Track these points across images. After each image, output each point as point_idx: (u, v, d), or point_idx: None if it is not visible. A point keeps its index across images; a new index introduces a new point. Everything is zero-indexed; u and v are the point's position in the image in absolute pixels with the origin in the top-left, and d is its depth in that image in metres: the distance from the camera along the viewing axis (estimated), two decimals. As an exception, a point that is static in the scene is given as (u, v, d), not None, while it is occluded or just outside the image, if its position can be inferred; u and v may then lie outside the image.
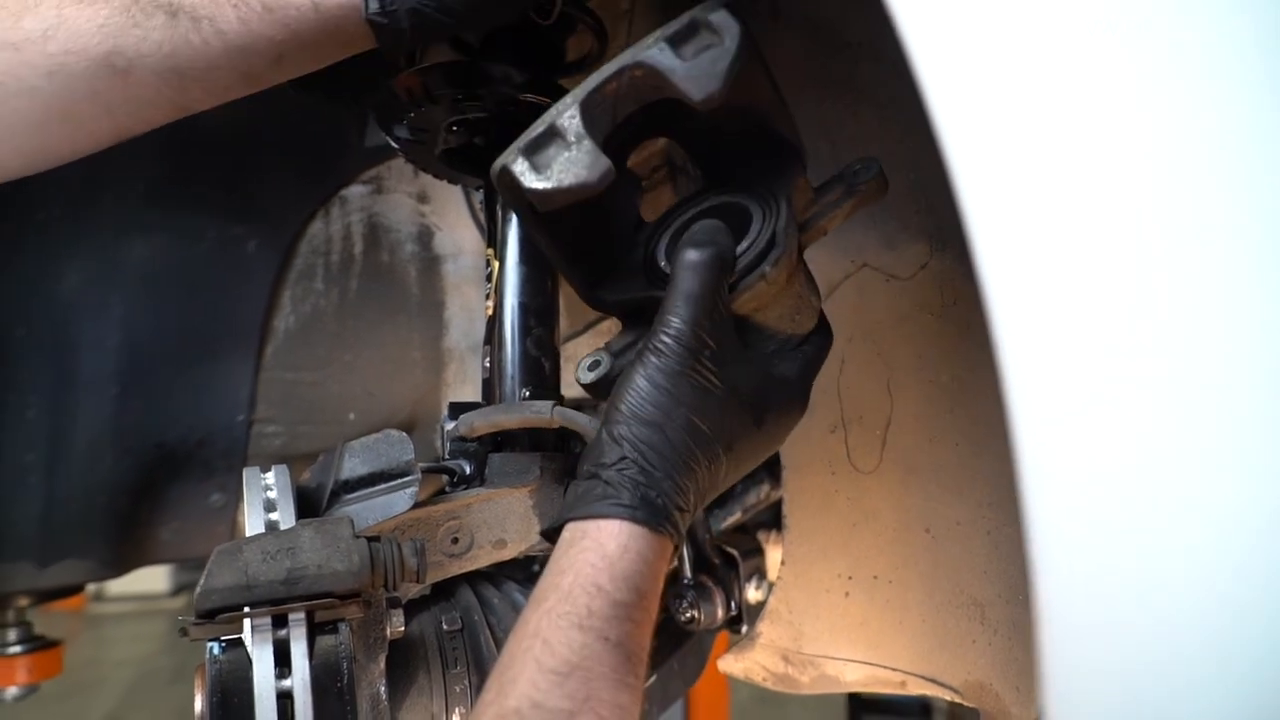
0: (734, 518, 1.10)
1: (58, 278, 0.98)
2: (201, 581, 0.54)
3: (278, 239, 1.13)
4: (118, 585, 8.21)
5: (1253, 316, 0.32)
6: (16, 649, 1.14)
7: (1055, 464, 0.34)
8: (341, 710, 0.55)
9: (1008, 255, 0.35)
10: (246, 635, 0.55)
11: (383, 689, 0.62)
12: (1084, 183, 0.34)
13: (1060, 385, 0.34)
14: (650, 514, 0.52)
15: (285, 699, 0.54)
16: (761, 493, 1.16)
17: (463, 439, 0.78)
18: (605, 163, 0.54)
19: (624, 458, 0.53)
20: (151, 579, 8.69)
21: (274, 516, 0.62)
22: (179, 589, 9.17)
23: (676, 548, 0.55)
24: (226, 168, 1.08)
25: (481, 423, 0.76)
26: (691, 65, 0.54)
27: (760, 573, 1.14)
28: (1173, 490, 0.32)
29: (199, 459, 1.12)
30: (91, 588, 6.79)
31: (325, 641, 0.56)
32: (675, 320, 0.54)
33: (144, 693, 6.25)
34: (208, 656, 0.56)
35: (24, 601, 1.13)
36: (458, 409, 0.79)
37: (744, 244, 0.58)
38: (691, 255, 0.55)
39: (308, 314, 1.17)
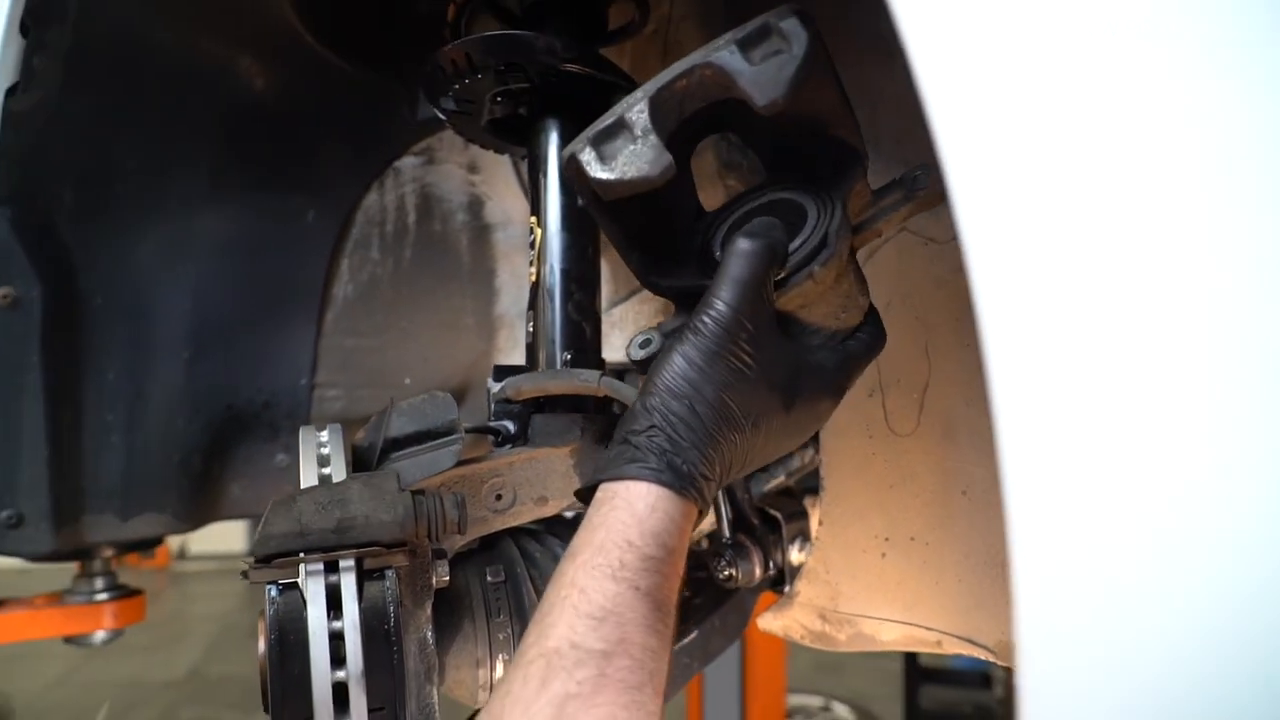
0: (777, 481, 1.12)
1: (133, 249, 1.03)
2: (259, 529, 0.58)
3: (335, 210, 1.17)
4: (200, 544, 8.60)
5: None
6: (103, 596, 1.23)
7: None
8: (388, 650, 0.59)
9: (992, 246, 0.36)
10: (301, 579, 0.59)
11: (429, 634, 0.66)
12: (1062, 181, 0.35)
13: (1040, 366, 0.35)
14: (675, 478, 0.55)
15: (336, 639, 0.58)
16: (805, 457, 1.17)
17: (508, 401, 0.81)
18: (667, 158, 0.56)
19: (653, 426, 0.56)
20: (231, 538, 9.08)
21: (326, 471, 0.66)
22: (256, 549, 9.52)
23: (701, 513, 0.58)
24: (285, 143, 1.12)
25: (528, 386, 0.79)
26: (759, 70, 0.55)
27: (804, 535, 1.15)
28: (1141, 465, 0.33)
29: (265, 420, 1.18)
30: (175, 547, 7.19)
31: (373, 587, 0.60)
32: (718, 303, 0.57)
33: (225, 645, 6.57)
34: (266, 598, 0.60)
35: (108, 552, 1.21)
36: (502, 372, 0.82)
37: (797, 241, 0.60)
38: (743, 244, 0.58)
39: (365, 282, 1.21)
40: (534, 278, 0.85)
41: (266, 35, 0.99)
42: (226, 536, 8.53)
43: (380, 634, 0.59)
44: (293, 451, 1.21)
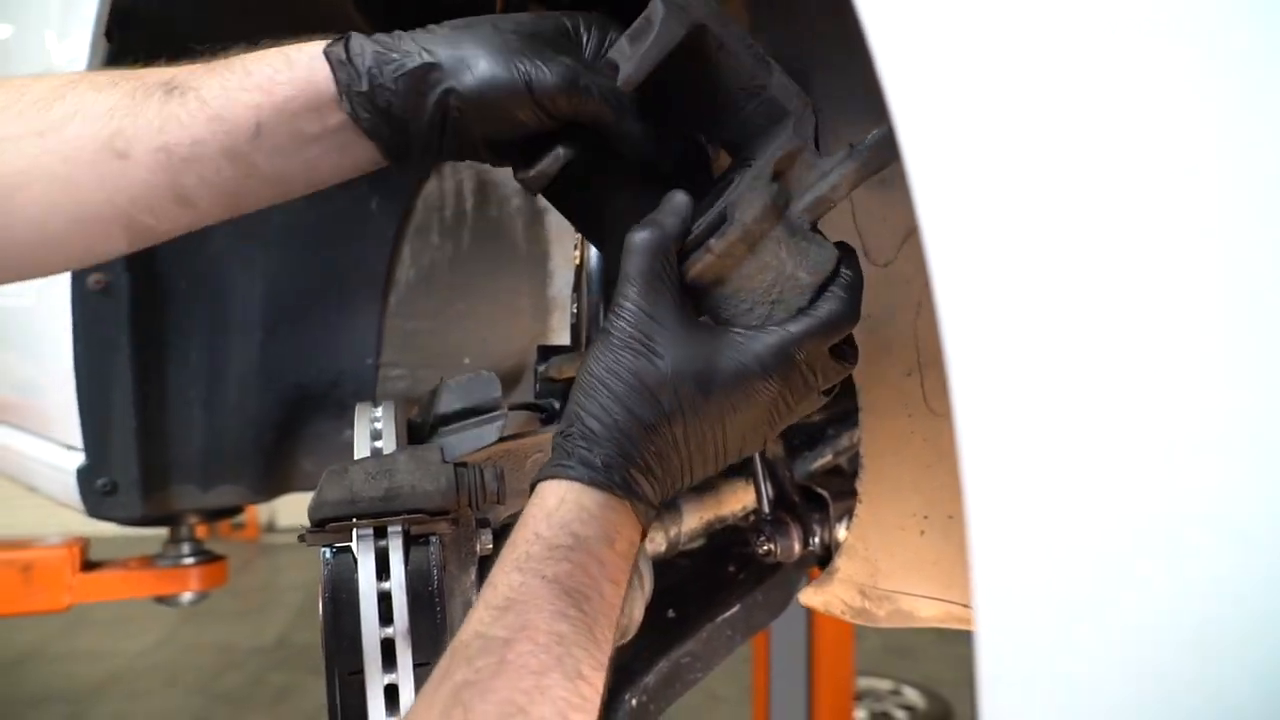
0: (824, 460, 1.13)
1: (210, 235, 1.10)
2: (314, 496, 0.63)
3: (397, 197, 1.22)
4: (287, 518, 8.96)
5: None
6: (189, 560, 1.32)
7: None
8: (432, 610, 0.63)
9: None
10: (353, 543, 0.64)
11: (474, 597, 0.70)
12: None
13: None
14: (586, 471, 0.55)
15: (384, 599, 0.62)
16: (854, 436, 1.18)
17: (551, 379, 0.84)
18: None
19: (570, 428, 0.57)
20: (315, 513, 9.39)
21: (378, 444, 0.71)
22: (339, 523, 9.88)
23: (643, 508, 0.57)
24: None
25: (568, 367, 0.83)
26: (628, 56, 0.56)
27: (852, 513, 1.16)
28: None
29: (333, 398, 1.24)
30: (264, 520, 7.47)
31: (418, 552, 0.64)
32: (619, 300, 0.57)
33: (311, 615, 6.87)
34: (321, 560, 0.65)
35: (193, 520, 1.30)
36: (546, 352, 0.85)
37: (703, 219, 0.59)
38: (631, 237, 0.57)
39: (425, 266, 1.26)
40: (577, 260, 0.89)
41: (328, 27, 1.03)
42: (311, 511, 8.87)
43: (425, 595, 0.63)
44: (360, 428, 1.27)
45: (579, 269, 0.88)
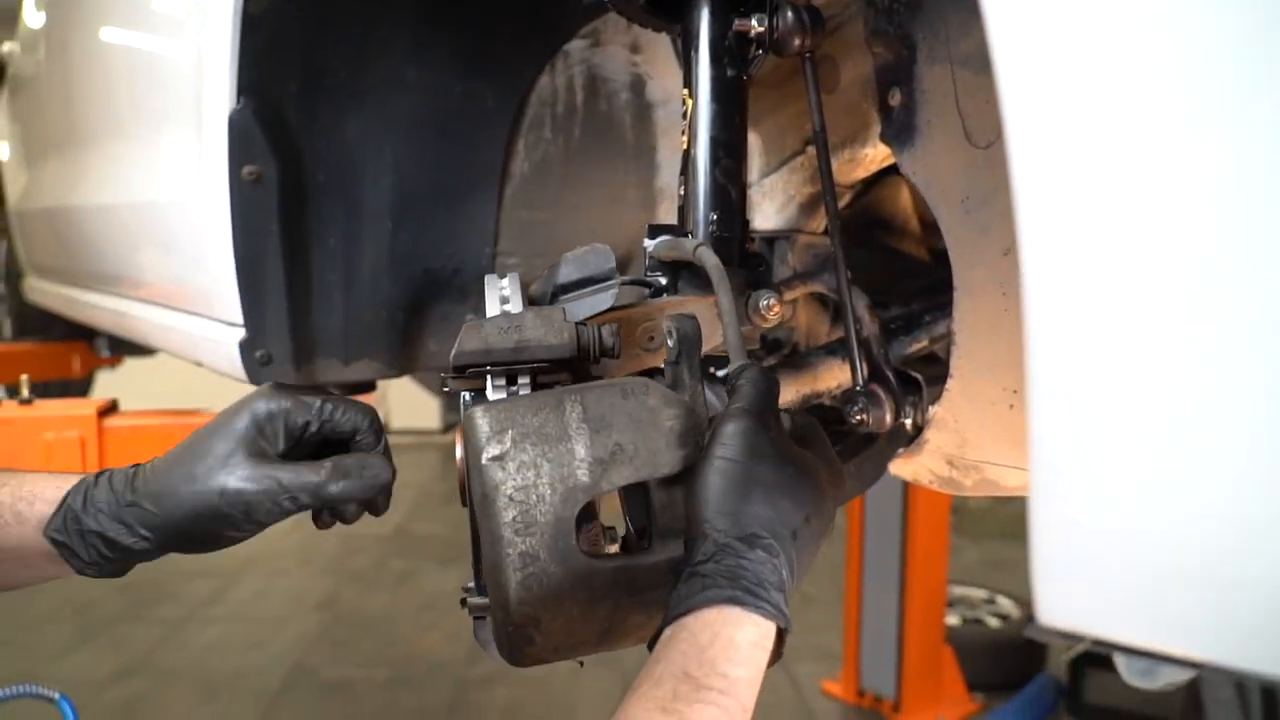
0: (919, 345, 1.17)
1: (344, 128, 1.19)
2: (455, 347, 0.72)
3: (512, 93, 1.28)
4: (400, 420, 9.46)
5: None
6: (331, 432, 1.46)
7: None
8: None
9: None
10: (487, 389, 0.72)
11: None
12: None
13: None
14: (747, 595, 0.56)
15: None
16: (949, 324, 1.21)
17: (658, 258, 0.91)
18: None
19: (715, 550, 0.58)
20: (426, 417, 9.91)
21: (507, 307, 0.79)
22: (448, 426, 10.41)
23: (782, 631, 0.59)
24: (468, 30, 1.24)
25: (666, 253, 0.89)
26: None
27: (938, 399, 1.20)
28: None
29: (455, 284, 1.34)
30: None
31: None
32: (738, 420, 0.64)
33: (425, 508, 7.33)
34: (461, 404, 0.74)
35: (334, 392, 1.43)
36: (655, 230, 0.92)
37: None
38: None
39: (538, 160, 1.33)
40: (685, 146, 0.94)
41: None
42: (423, 414, 9.35)
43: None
44: (480, 313, 1.37)
45: (686, 153, 0.93)
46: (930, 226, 1.68)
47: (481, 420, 0.65)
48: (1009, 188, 0.90)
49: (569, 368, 0.73)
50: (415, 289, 1.31)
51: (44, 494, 0.71)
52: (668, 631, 0.58)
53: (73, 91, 1.95)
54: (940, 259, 1.76)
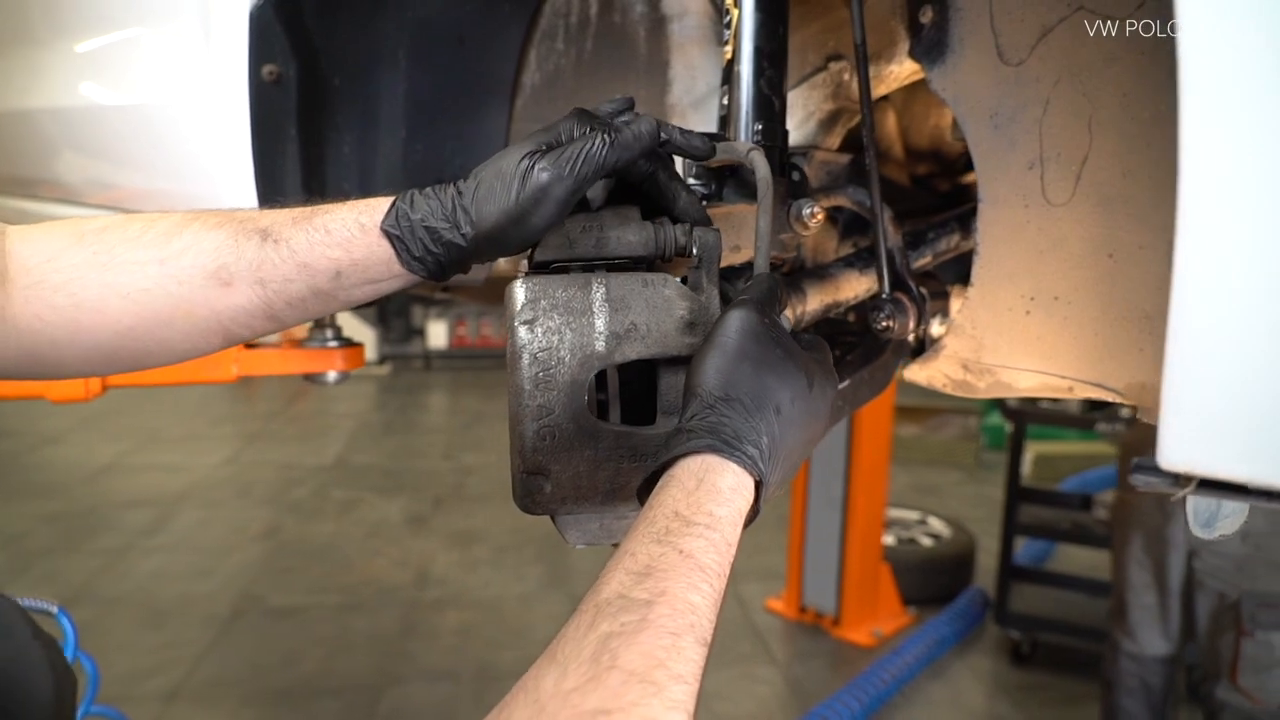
0: (924, 260, 1.23)
1: (362, 32, 1.17)
2: (540, 243, 0.74)
3: (526, 2, 1.27)
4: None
5: None
6: (333, 344, 1.46)
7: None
8: None
9: None
10: (568, 284, 0.75)
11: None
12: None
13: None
14: (724, 444, 0.63)
15: None
16: (951, 241, 1.27)
17: (705, 166, 0.93)
18: None
19: (702, 408, 0.65)
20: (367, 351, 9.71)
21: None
22: (383, 358, 10.26)
23: (759, 484, 0.64)
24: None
25: (719, 157, 0.91)
26: None
27: (944, 313, 1.27)
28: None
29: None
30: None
31: None
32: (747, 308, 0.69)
33: (363, 439, 7.27)
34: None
35: (338, 306, 1.43)
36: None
37: None
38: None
39: (550, 71, 1.33)
40: (729, 55, 0.96)
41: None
42: (359, 345, 9.18)
43: None
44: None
45: (730, 63, 0.95)
46: (913, 154, 1.74)
47: (520, 290, 0.72)
48: (1038, 103, 0.95)
49: (645, 265, 0.76)
50: (427, 199, 1.31)
51: (376, 204, 0.74)
52: (660, 481, 0.64)
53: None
54: (920, 184, 1.83)
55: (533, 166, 0.70)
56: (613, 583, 0.56)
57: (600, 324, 0.71)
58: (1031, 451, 6.19)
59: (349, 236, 0.73)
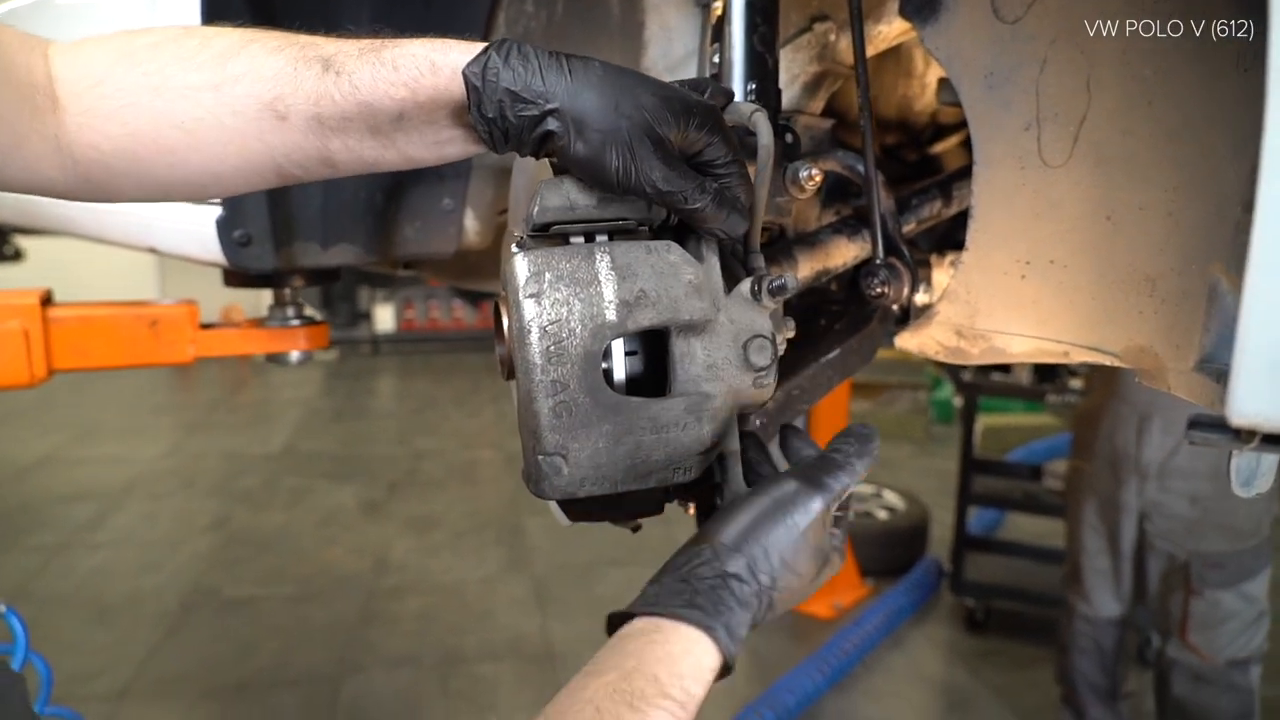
0: (909, 226, 1.21)
1: (323, -7, 1.11)
2: (536, 204, 0.69)
3: (496, -40, 1.22)
4: (280, 336, 9.05)
5: None
6: (295, 322, 1.40)
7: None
8: None
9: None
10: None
11: None
12: None
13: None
14: (727, 637, 0.61)
15: None
16: (934, 208, 1.26)
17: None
18: None
19: (720, 577, 0.63)
20: (307, 333, 9.49)
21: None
22: (330, 344, 10.03)
23: (728, 668, 0.63)
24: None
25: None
26: None
27: (927, 281, 1.26)
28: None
29: (434, 167, 1.29)
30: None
31: None
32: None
33: (311, 426, 7.11)
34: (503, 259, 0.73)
35: (299, 282, 1.36)
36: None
37: None
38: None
39: (520, 34, 1.27)
40: (719, 10, 0.92)
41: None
42: (304, 330, 8.96)
43: None
44: (456, 197, 1.32)
45: (720, 19, 0.92)
46: (881, 124, 1.72)
47: (521, 263, 0.68)
48: (1034, 62, 0.93)
49: (647, 227, 0.72)
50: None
51: (453, 44, 0.67)
52: (640, 623, 0.62)
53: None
54: (888, 154, 1.82)
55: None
56: None
57: (609, 292, 0.68)
58: (980, 424, 6.32)
59: (417, 75, 0.65)
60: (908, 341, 1.07)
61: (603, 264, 0.69)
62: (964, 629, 4.05)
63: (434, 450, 6.45)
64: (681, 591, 0.62)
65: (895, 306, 1.17)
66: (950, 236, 1.43)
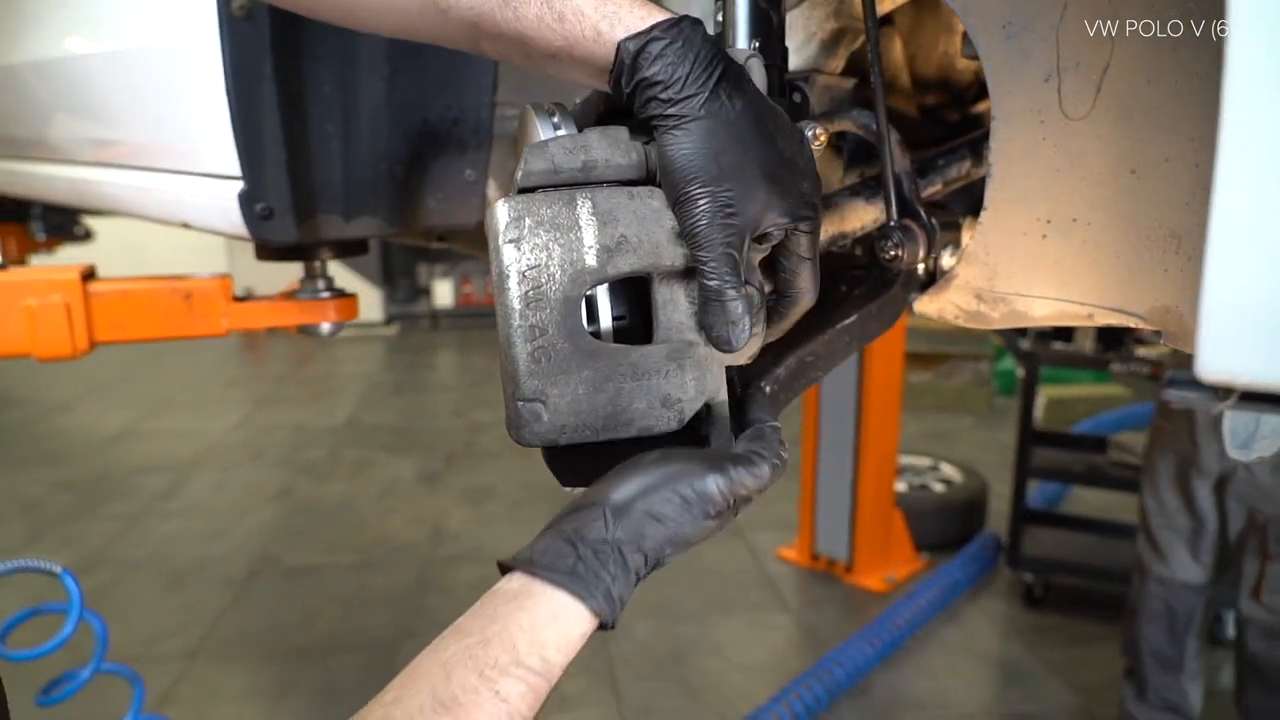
0: (934, 188, 1.17)
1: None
2: (520, 167, 0.69)
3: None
4: (342, 313, 9.27)
5: None
6: (325, 295, 1.42)
7: None
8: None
9: None
10: (555, 211, 0.70)
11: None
12: None
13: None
14: (606, 605, 0.58)
15: None
16: (962, 168, 1.21)
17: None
18: None
19: (606, 543, 0.60)
20: (369, 309, 9.73)
21: (559, 132, 0.76)
22: (390, 319, 10.24)
23: (604, 625, 0.60)
24: None
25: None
26: None
27: (955, 244, 1.22)
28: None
29: (454, 136, 1.29)
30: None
31: None
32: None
33: (374, 400, 7.28)
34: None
35: (328, 254, 1.39)
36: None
37: None
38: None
39: None
40: (723, -33, 0.89)
41: None
42: (367, 306, 9.17)
43: None
44: (478, 169, 1.33)
45: (725, -25, 0.89)
46: (921, 83, 1.67)
47: (501, 209, 0.68)
48: (1054, 9, 0.89)
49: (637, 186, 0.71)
50: (414, 141, 1.26)
51: (624, 14, 0.67)
52: (516, 583, 0.59)
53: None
54: (929, 115, 1.76)
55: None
56: (416, 698, 0.53)
57: (589, 238, 0.68)
58: (1044, 395, 6.14)
59: (579, 37, 0.67)
60: (926, 306, 1.04)
61: (584, 209, 0.69)
62: (1021, 604, 3.97)
63: (490, 423, 6.55)
64: (565, 555, 0.59)
65: (921, 270, 1.14)
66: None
